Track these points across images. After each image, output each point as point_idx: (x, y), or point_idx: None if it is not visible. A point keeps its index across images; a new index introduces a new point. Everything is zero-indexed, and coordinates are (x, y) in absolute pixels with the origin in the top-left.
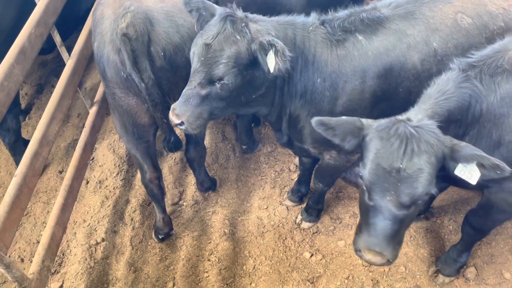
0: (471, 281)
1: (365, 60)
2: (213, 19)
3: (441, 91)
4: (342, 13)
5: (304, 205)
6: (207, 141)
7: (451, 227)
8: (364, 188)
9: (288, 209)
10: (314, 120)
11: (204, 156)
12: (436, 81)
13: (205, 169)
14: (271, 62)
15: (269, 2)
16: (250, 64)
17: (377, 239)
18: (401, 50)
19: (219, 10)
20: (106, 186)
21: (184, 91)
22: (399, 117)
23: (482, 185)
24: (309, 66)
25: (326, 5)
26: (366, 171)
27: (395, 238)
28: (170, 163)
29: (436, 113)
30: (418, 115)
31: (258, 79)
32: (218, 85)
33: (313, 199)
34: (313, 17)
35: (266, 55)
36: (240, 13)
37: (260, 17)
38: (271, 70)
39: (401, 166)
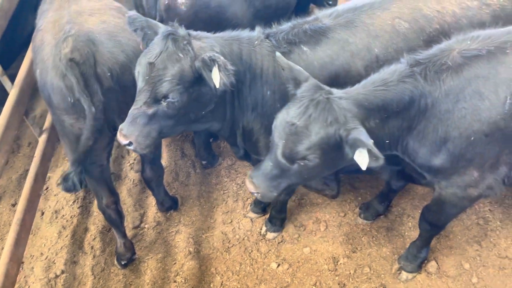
0: (433, 274)
1: (311, 70)
2: (156, 37)
3: (383, 79)
4: (285, 25)
5: (267, 216)
6: (165, 159)
7: (410, 224)
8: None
9: (252, 221)
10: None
11: (162, 175)
12: (384, 69)
13: (164, 189)
14: (216, 78)
15: (215, 18)
16: (196, 81)
17: (257, 172)
18: (345, 58)
19: (162, 28)
20: (63, 215)
21: (130, 111)
22: (328, 88)
23: (432, 181)
24: (257, 79)
25: (272, 18)
26: (276, 116)
27: (273, 181)
28: (128, 185)
29: (367, 100)
30: (351, 92)
31: (205, 95)
32: (164, 104)
33: (275, 209)
34: (258, 31)
35: (210, 71)
36: (182, 31)
37: (203, 34)
38: (217, 86)
39: (297, 123)
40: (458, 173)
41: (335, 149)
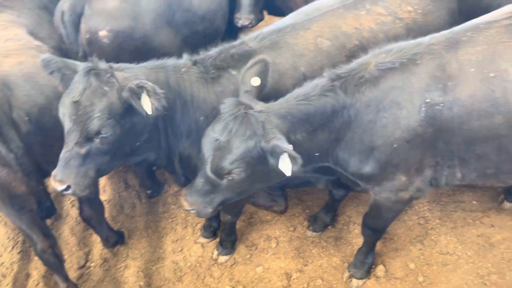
0: (381, 278)
1: None
2: (76, 75)
3: (305, 93)
4: (213, 51)
5: (218, 239)
6: (108, 192)
7: (356, 231)
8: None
9: (203, 247)
10: None
11: (102, 212)
12: (307, 84)
13: (107, 224)
14: (147, 104)
15: (141, 48)
16: (126, 112)
17: (191, 189)
18: (273, 79)
19: (81, 65)
20: (2, 263)
21: (61, 155)
22: (249, 102)
23: (367, 188)
24: (188, 106)
25: (202, 44)
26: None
27: (207, 197)
28: (71, 223)
29: (290, 113)
30: (274, 106)
31: (138, 125)
32: (97, 140)
33: (225, 232)
34: (185, 58)
35: (139, 99)
36: (103, 64)
37: (126, 65)
38: (149, 112)
39: (219, 138)
40: (388, 179)
41: (260, 162)
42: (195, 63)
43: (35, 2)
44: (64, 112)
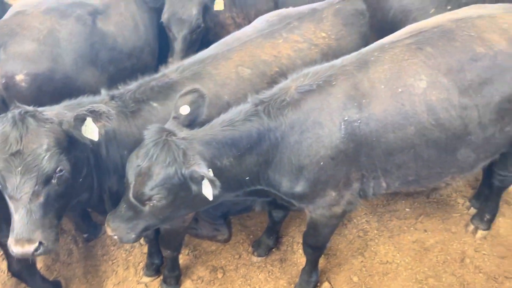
0: None
1: (163, 124)
2: (1, 127)
3: (230, 118)
4: (132, 85)
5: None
6: None
7: (300, 251)
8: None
9: (147, 286)
10: None
11: (34, 262)
12: (231, 110)
13: (40, 275)
14: (92, 130)
15: (64, 89)
16: (70, 145)
17: (114, 215)
18: None
19: (8, 115)
20: None
21: (18, 213)
22: (174, 129)
23: (302, 207)
24: (112, 141)
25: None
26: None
27: (130, 223)
28: (2, 278)
29: (215, 139)
30: (198, 133)
31: (80, 159)
32: (54, 181)
33: (168, 268)
34: (103, 94)
35: (83, 123)
36: (27, 107)
37: (44, 108)
38: (96, 138)
39: (142, 165)
40: (319, 196)
41: (183, 189)
42: (112, 98)
43: None
44: (1, 169)
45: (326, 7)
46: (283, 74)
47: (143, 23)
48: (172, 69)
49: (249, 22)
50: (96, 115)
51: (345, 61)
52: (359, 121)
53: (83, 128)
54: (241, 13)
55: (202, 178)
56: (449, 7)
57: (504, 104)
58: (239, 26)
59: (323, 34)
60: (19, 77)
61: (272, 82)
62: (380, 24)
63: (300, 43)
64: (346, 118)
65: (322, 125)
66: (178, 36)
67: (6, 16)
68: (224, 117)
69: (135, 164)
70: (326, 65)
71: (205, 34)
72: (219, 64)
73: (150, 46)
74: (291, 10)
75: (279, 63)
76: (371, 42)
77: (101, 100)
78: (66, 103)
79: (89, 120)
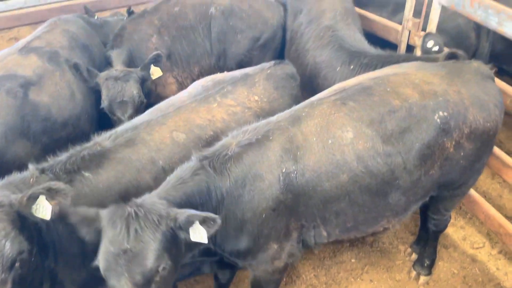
0: None
1: (98, 194)
2: None
3: (178, 176)
4: (63, 156)
5: None
6: None
7: None
8: (104, 277)
9: None
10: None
11: None
12: (177, 168)
13: None
14: (45, 210)
15: None
16: (22, 224)
17: None
18: (131, 175)
19: None
20: None
21: None
22: (127, 203)
23: (246, 265)
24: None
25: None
26: (99, 259)
27: None
28: None
29: (170, 196)
30: (152, 198)
31: (30, 237)
32: (17, 264)
33: None
34: (31, 168)
35: (36, 200)
36: None
37: None
38: (48, 217)
39: (127, 246)
40: (262, 250)
41: (174, 243)
42: (43, 171)
43: None
44: None
45: (258, 72)
46: (217, 137)
47: (80, 90)
48: (104, 137)
49: (193, 79)
50: (52, 193)
51: (280, 117)
52: (295, 172)
53: (34, 207)
54: (183, 72)
55: (194, 221)
56: (351, 66)
57: (424, 150)
58: (181, 84)
59: (256, 98)
60: None
61: (207, 146)
62: (300, 78)
63: (234, 106)
64: (284, 170)
65: (263, 177)
66: (124, 118)
67: None
68: (173, 174)
69: (118, 254)
70: (263, 122)
71: (146, 97)
72: (153, 129)
73: (88, 113)
74: (224, 75)
75: (214, 127)
76: None
77: (31, 175)
78: None
79: (41, 198)
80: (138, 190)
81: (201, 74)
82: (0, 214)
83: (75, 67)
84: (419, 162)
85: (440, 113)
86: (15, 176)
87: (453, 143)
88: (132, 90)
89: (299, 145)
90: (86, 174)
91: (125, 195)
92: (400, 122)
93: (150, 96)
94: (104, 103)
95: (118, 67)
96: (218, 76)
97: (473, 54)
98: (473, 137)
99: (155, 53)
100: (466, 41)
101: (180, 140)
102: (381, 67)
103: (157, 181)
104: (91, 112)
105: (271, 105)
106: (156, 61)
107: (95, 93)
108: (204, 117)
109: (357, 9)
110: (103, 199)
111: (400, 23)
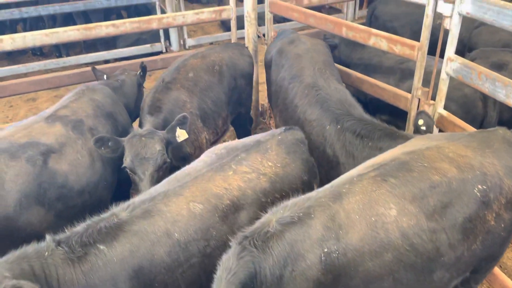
0: None
1: (111, 268)
2: None
3: (227, 269)
4: (80, 227)
5: None
6: None
7: None
8: None
9: None
10: None
11: None
12: (220, 261)
13: None
14: None
15: (3, 230)
16: None
17: None
18: (146, 248)
19: None
20: None
21: None
22: None
23: None
24: None
25: (82, 216)
26: None
27: None
28: None
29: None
30: None
31: None
32: None
33: None
34: (48, 240)
35: None
36: None
37: None
38: None
39: None
40: None
41: None
42: (58, 243)
43: None
44: None
45: (270, 138)
46: (235, 205)
47: (100, 158)
48: (122, 207)
49: (217, 134)
50: None
51: (320, 193)
52: (337, 251)
53: None
54: (213, 130)
55: None
56: (338, 126)
57: (467, 224)
58: (208, 142)
59: (270, 163)
60: None
61: (225, 215)
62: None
63: (249, 173)
64: (325, 250)
65: (304, 257)
66: (145, 176)
67: None
68: (222, 271)
69: None
70: (303, 197)
71: (183, 160)
72: (171, 201)
73: (107, 180)
74: (236, 142)
75: (231, 195)
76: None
77: (47, 247)
78: (11, 256)
79: None
80: (152, 264)
81: (222, 125)
82: None
83: (100, 141)
84: (462, 237)
85: (479, 186)
86: (31, 248)
87: (494, 215)
88: (156, 147)
89: (341, 223)
90: (101, 247)
91: (139, 270)
92: (442, 197)
93: (189, 160)
94: (126, 160)
95: (146, 127)
96: (231, 144)
97: (481, 123)
98: (510, 206)
99: (181, 115)
100: (473, 110)
101: (196, 211)
102: (361, 132)
103: (171, 255)
104: (110, 179)
105: (284, 170)
106: (182, 123)
107: (117, 160)
108: (221, 186)
109: (367, 78)
110: (116, 274)
111: (407, 90)
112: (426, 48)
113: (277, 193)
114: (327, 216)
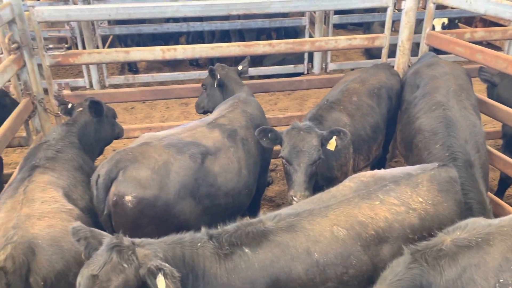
0: None
1: (252, 272)
2: (100, 248)
3: (394, 272)
4: (230, 227)
5: None
6: None
7: None
8: None
9: None
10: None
11: None
12: (390, 264)
13: None
14: (162, 285)
15: (162, 215)
16: (139, 287)
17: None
18: (285, 261)
19: (107, 239)
20: None
21: None
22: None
23: None
24: (199, 281)
25: (222, 215)
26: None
27: None
28: None
29: None
30: None
31: None
32: None
33: None
34: (202, 232)
35: (155, 278)
36: (127, 240)
37: (148, 240)
38: None
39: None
40: None
41: None
42: (211, 237)
43: (72, 163)
44: (81, 283)
45: (421, 172)
46: (379, 237)
47: (247, 168)
48: (269, 217)
49: (368, 159)
50: (165, 274)
51: (502, 221)
52: None
53: (156, 280)
54: (364, 156)
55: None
56: (447, 154)
57: None
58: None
59: (420, 199)
60: (128, 198)
61: (366, 245)
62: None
63: (397, 206)
64: (501, 280)
65: (476, 283)
66: (299, 168)
67: (133, 145)
68: (388, 272)
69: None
70: (482, 223)
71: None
72: (315, 220)
73: (248, 188)
74: (384, 172)
75: (376, 226)
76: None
77: (200, 239)
78: (169, 238)
79: (160, 275)
80: (289, 278)
81: (376, 150)
82: (120, 270)
83: (262, 132)
84: None
85: None
86: (187, 236)
87: None
88: (313, 142)
89: None
90: (246, 250)
91: (276, 280)
92: None
93: (333, 183)
94: (284, 151)
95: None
96: (378, 173)
97: None
98: None
99: (345, 130)
100: None
101: (339, 236)
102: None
103: (308, 274)
104: (251, 188)
105: (435, 208)
106: (340, 135)
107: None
108: (367, 214)
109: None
110: (255, 279)
111: None
112: None
113: (425, 232)
114: (508, 247)
